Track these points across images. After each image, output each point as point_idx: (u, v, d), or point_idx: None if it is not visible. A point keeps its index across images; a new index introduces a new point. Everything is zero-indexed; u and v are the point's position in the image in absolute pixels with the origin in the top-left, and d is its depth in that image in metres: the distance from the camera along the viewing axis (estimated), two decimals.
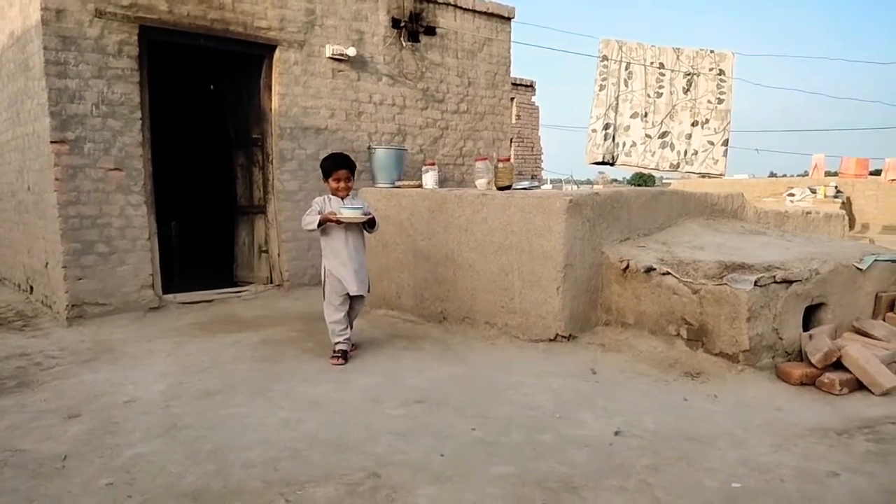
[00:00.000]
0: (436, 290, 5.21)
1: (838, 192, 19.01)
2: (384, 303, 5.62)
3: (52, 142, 5.27)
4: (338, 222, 4.12)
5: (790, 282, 4.05)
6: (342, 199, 4.26)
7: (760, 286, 3.90)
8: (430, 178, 5.47)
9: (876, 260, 4.54)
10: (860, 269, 4.46)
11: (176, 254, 7.55)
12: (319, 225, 4.11)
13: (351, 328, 4.42)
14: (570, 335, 4.49)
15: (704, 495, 2.48)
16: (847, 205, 18.93)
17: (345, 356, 4.24)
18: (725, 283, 3.96)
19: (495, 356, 4.36)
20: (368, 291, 4.46)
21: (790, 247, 4.89)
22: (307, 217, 4.15)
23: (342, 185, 4.23)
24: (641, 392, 3.69)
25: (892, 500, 2.45)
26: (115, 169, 5.57)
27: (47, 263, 5.73)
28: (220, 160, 7.79)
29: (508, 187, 4.99)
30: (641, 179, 34.46)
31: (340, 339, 4.26)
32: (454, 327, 5.04)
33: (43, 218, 5.71)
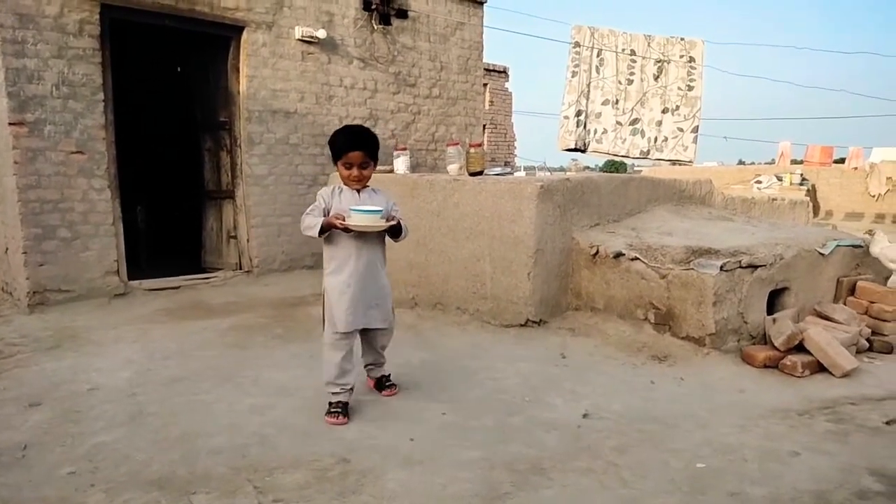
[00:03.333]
0: (407, 276, 5.19)
1: (804, 179, 19.43)
2: None
3: (10, 123, 5.09)
4: (345, 230, 2.89)
5: (755, 266, 4.13)
6: (357, 192, 3.05)
7: (726, 271, 3.97)
8: (401, 164, 5.43)
9: (838, 245, 4.65)
10: (823, 255, 4.56)
11: (142, 239, 7.39)
12: (322, 232, 2.91)
13: (382, 362, 3.39)
14: (541, 320, 4.52)
15: (670, 475, 2.53)
16: (812, 192, 19.37)
17: (345, 410, 3.02)
18: (692, 268, 4.02)
19: (466, 341, 4.36)
20: (390, 324, 3.26)
21: (756, 232, 4.98)
22: (307, 218, 2.97)
23: (355, 172, 2.98)
24: (610, 375, 3.73)
25: (848, 478, 2.52)
26: (77, 152, 5.42)
27: (7, 249, 5.57)
28: (187, 144, 7.63)
29: (480, 173, 4.98)
30: (613, 167, 34.78)
31: (336, 388, 3.03)
32: (426, 313, 5.03)
33: (2, 202, 5.53)
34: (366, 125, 7.94)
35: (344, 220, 2.85)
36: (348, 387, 3.06)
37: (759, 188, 18.56)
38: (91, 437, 2.84)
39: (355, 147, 2.97)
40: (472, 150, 4.99)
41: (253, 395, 3.37)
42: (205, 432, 2.86)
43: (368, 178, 3.06)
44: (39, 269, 5.27)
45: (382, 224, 2.95)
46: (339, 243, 3.00)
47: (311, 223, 2.92)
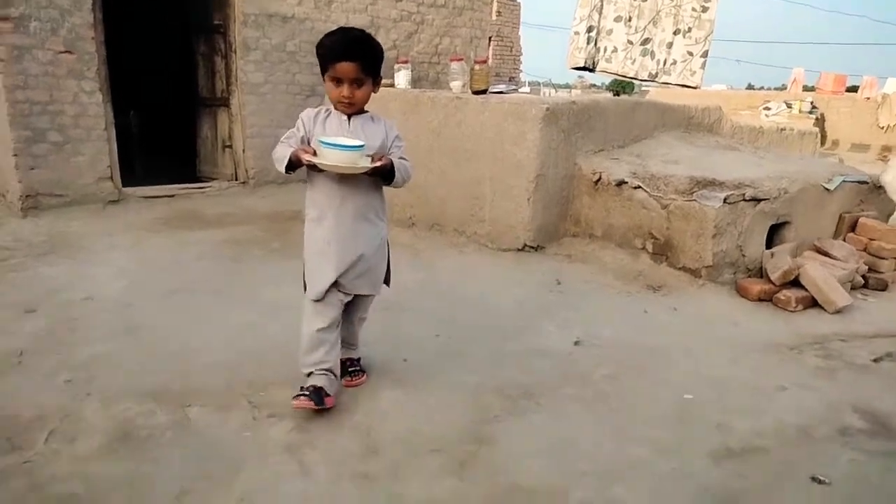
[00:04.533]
0: (405, 196, 5.11)
1: (813, 107, 18.99)
2: None
3: None
4: (313, 168, 2.18)
5: (758, 200, 4.07)
6: (348, 118, 2.29)
7: (729, 203, 3.91)
8: (402, 78, 5.24)
9: (844, 181, 4.57)
10: (828, 190, 4.49)
11: (136, 145, 7.24)
12: (290, 168, 2.21)
13: (355, 344, 2.67)
14: (539, 245, 4.49)
15: (658, 405, 2.57)
16: (820, 121, 19.00)
17: (318, 396, 2.31)
18: (695, 200, 3.96)
19: (463, 264, 4.35)
20: (381, 287, 2.55)
21: (762, 164, 4.88)
22: (278, 147, 2.26)
23: (345, 91, 2.21)
24: (604, 303, 3.75)
25: (832, 414, 2.57)
26: (66, 52, 5.20)
27: None
28: (180, 48, 7.33)
29: (484, 91, 4.81)
30: (620, 86, 33.86)
31: (308, 367, 2.39)
32: (423, 234, 5.00)
33: None
34: None
35: (314, 154, 2.12)
36: (324, 366, 2.36)
37: (767, 115, 18.18)
38: (87, 346, 2.86)
39: (347, 56, 2.14)
40: (477, 66, 4.80)
41: (248, 310, 3.37)
42: (200, 346, 2.88)
43: (364, 100, 2.26)
44: (31, 173, 5.18)
45: (360, 166, 2.12)
46: (319, 185, 2.28)
47: (281, 155, 2.20)
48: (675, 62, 8.91)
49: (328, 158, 2.10)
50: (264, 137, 6.44)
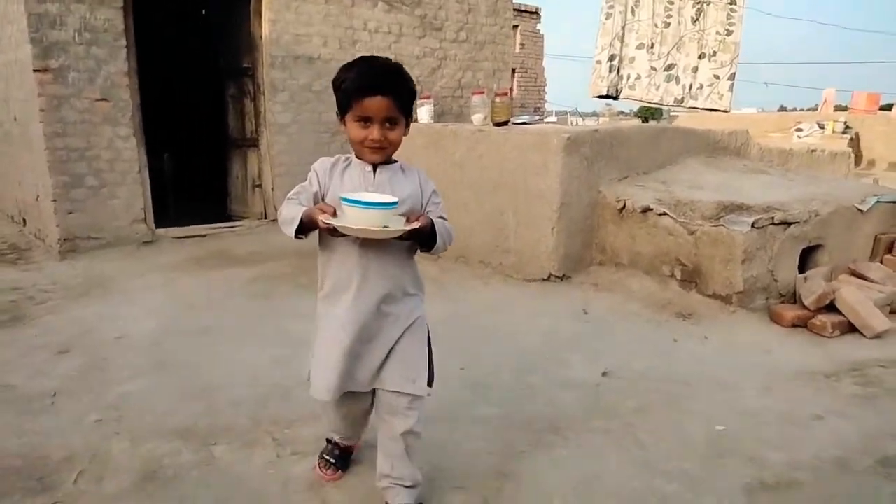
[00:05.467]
0: None
1: (847, 127, 18.65)
2: None
3: (34, 70, 5.09)
4: (332, 232, 1.69)
5: (788, 223, 3.99)
6: (373, 167, 1.82)
7: (757, 228, 3.84)
8: (424, 113, 5.32)
9: (878, 202, 4.46)
10: (861, 211, 4.38)
11: (169, 187, 7.45)
12: (301, 231, 1.72)
13: (399, 479, 1.97)
14: (564, 275, 4.46)
15: (687, 438, 2.50)
16: (855, 140, 18.62)
17: (339, 461, 2.20)
18: (722, 225, 3.90)
19: (488, 296, 4.34)
20: (424, 384, 1.91)
21: (792, 186, 4.79)
22: (285, 206, 1.78)
23: (375, 133, 1.74)
24: (632, 333, 3.69)
25: (872, 444, 2.46)
26: (102, 99, 5.41)
27: (38, 196, 5.66)
28: (211, 91, 7.57)
29: (506, 123, 4.85)
30: (648, 112, 33.79)
31: (334, 435, 2.20)
32: (449, 266, 5.01)
33: (30, 150, 5.59)
34: None
35: (334, 213, 1.66)
36: (342, 437, 2.18)
37: (799, 136, 17.90)
38: (117, 385, 2.91)
39: (379, 89, 1.68)
40: (498, 99, 4.85)
41: (275, 346, 3.41)
42: (227, 384, 2.92)
43: (397, 144, 1.78)
44: (69, 217, 5.36)
45: (393, 228, 1.64)
46: (336, 253, 1.80)
47: (289, 215, 1.71)
48: (701, 86, 8.87)
49: (352, 220, 1.61)
50: (293, 175, 6.57)
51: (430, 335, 1.96)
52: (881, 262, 4.50)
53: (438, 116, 7.66)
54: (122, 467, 2.25)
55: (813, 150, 7.06)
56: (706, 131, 5.72)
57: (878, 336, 3.64)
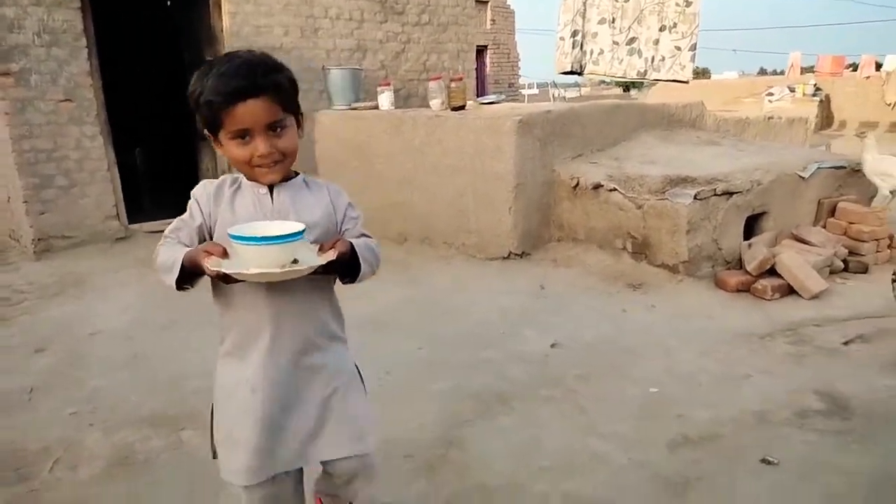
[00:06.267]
0: (396, 213, 5.30)
1: (817, 89, 18.88)
2: None
3: None
4: (225, 279, 1.28)
5: (731, 193, 4.18)
6: (269, 190, 1.43)
7: (700, 199, 4.03)
8: (385, 99, 5.43)
9: (819, 168, 4.66)
10: (803, 178, 4.58)
11: (143, 181, 7.52)
12: (184, 280, 1.34)
13: None
14: (524, 252, 4.64)
15: (624, 401, 2.71)
16: (826, 102, 18.89)
17: None
18: (667, 198, 4.08)
19: (450, 276, 4.52)
20: (370, 439, 1.59)
21: (740, 157, 4.99)
22: (161, 250, 1.40)
23: (261, 146, 1.34)
24: (585, 305, 3.88)
25: (793, 398, 2.68)
26: (66, 100, 5.46)
27: (9, 198, 5.73)
28: (179, 85, 7.60)
29: (462, 107, 4.98)
30: (629, 82, 33.79)
31: None
32: (414, 248, 5.17)
33: None
34: (354, 57, 7.88)
35: (223, 253, 1.28)
36: None
37: (770, 101, 18.12)
38: (91, 380, 3.06)
39: (248, 91, 1.30)
40: (454, 84, 4.98)
41: None
42: (192, 374, 3.06)
43: (293, 152, 1.40)
44: (41, 218, 5.44)
45: (302, 266, 1.27)
46: (236, 301, 1.43)
47: (167, 261, 1.35)
48: (663, 58, 9.00)
49: (249, 261, 1.24)
50: None
51: (364, 380, 1.61)
52: (824, 226, 4.72)
53: (404, 100, 7.76)
54: (96, 455, 2.42)
55: (770, 118, 7.26)
56: (661, 105, 5.89)
57: (815, 297, 3.86)
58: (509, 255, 4.60)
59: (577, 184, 4.57)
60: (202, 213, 1.42)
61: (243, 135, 1.33)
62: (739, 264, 4.23)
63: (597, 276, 4.32)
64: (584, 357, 3.15)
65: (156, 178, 8.11)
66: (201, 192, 1.44)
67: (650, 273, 4.19)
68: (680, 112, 5.95)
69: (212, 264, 1.24)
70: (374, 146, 5.31)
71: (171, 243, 1.40)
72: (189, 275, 1.33)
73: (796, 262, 3.95)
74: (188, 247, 1.36)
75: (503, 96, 8.00)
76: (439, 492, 2.12)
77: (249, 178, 1.41)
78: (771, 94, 19.33)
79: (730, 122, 6.54)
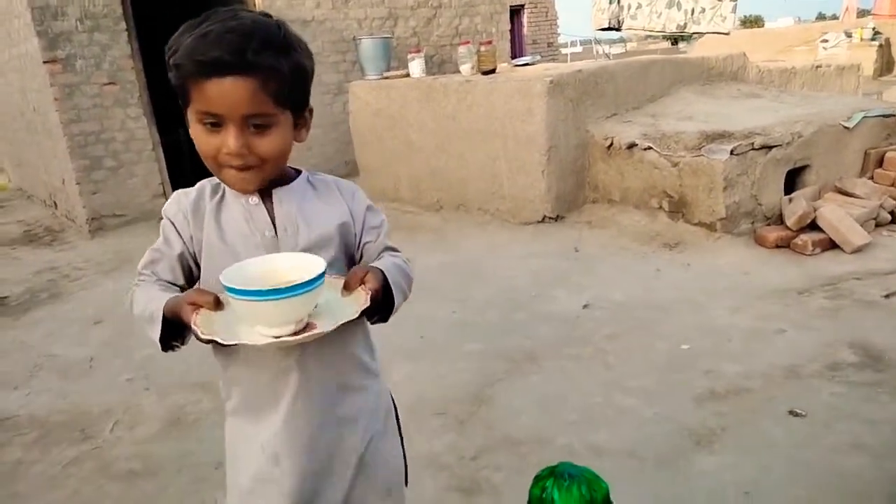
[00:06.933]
0: (431, 181, 5.36)
1: (876, 33, 17.87)
2: (385, 196, 5.80)
3: (44, 62, 5.36)
4: (208, 341, 0.91)
5: (770, 147, 4.08)
6: (260, 197, 1.10)
7: (737, 155, 3.95)
8: (416, 67, 5.44)
9: (865, 116, 4.49)
10: (847, 128, 4.42)
11: (187, 160, 7.76)
12: (169, 338, 1.03)
13: None
14: (558, 216, 4.65)
15: (653, 358, 2.74)
16: (886, 47, 17.89)
17: None
18: (702, 155, 4.02)
19: (485, 241, 4.56)
20: (402, 489, 1.28)
21: (780, 109, 4.83)
22: (137, 295, 1.09)
23: (232, 140, 0.99)
24: (618, 266, 3.89)
25: (825, 351, 2.66)
26: (110, 83, 5.67)
27: (63, 180, 6.02)
28: None
29: (493, 71, 4.96)
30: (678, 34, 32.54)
31: None
32: (450, 215, 5.23)
33: (50, 137, 5.92)
34: (385, 26, 7.89)
35: (215, 303, 0.97)
36: None
37: (825, 48, 17.27)
38: (143, 349, 3.25)
39: (227, 65, 0.96)
40: (483, 48, 4.96)
41: None
42: None
43: (276, 159, 1.05)
44: (93, 198, 5.71)
45: (327, 321, 0.95)
46: (242, 354, 1.11)
47: (144, 309, 1.06)
48: (703, 10, 8.73)
49: (253, 318, 0.94)
50: None
51: (398, 414, 1.29)
52: (871, 178, 4.56)
53: (438, 66, 7.75)
54: (151, 416, 2.60)
55: (818, 67, 6.96)
56: (700, 59, 5.72)
57: (857, 250, 3.77)
58: (543, 218, 4.61)
59: (612, 144, 4.53)
60: (181, 237, 1.11)
61: (214, 121, 0.99)
62: (780, 220, 4.14)
63: (632, 237, 4.30)
64: (615, 316, 3.18)
65: (199, 157, 8.35)
66: (175, 209, 1.12)
67: (687, 232, 4.15)
68: (720, 65, 5.77)
69: (202, 325, 0.90)
70: (406, 115, 5.35)
71: (147, 284, 1.10)
72: (176, 328, 1.00)
73: (838, 215, 3.85)
74: (171, 284, 1.10)
75: (538, 57, 7.87)
76: (468, 444, 2.21)
77: (230, 181, 1.07)
78: (825, 42, 18.41)
79: (774, 73, 6.30)
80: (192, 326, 0.91)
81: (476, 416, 2.39)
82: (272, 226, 1.09)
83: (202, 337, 0.90)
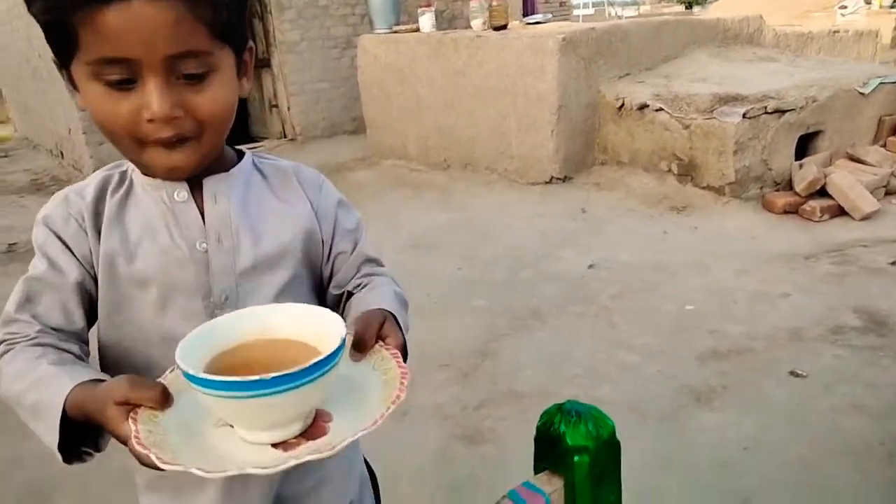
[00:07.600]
0: (438, 139, 5.31)
1: None
2: (392, 153, 5.76)
3: None
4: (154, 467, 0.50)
5: (782, 111, 4.03)
6: (188, 186, 0.75)
7: (749, 118, 3.90)
8: (426, 21, 5.34)
9: (881, 83, 4.42)
10: (862, 94, 4.36)
11: None
12: (72, 442, 0.62)
13: None
14: (566, 176, 4.62)
15: (657, 317, 2.76)
16: None
17: None
18: (714, 117, 3.97)
19: (492, 201, 4.55)
20: None
21: (795, 73, 4.75)
22: (4, 361, 0.68)
23: (155, 98, 0.63)
24: (625, 228, 3.88)
25: (830, 315, 2.68)
26: None
27: (70, 129, 5.99)
28: None
29: (504, 27, 4.88)
30: None
31: None
32: (457, 174, 5.20)
33: (55, 85, 5.87)
34: None
35: (162, 399, 0.56)
36: None
37: (843, 14, 16.89)
38: None
39: None
40: (495, 3, 4.86)
41: None
42: None
43: (218, 123, 0.71)
44: (100, 148, 5.68)
45: (355, 409, 0.57)
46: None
47: (21, 397, 0.65)
48: None
49: (242, 422, 0.56)
50: (306, 94, 6.72)
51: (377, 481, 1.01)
52: (884, 145, 4.51)
53: (448, 21, 7.60)
54: None
55: (835, 32, 6.81)
56: (715, 20, 5.60)
57: (866, 217, 3.75)
58: (551, 179, 4.59)
59: (623, 104, 4.47)
60: (75, 257, 0.75)
61: (121, 75, 0.65)
62: (790, 185, 4.12)
63: (640, 199, 4.28)
64: (621, 276, 3.19)
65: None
66: (62, 217, 0.76)
67: (695, 195, 4.13)
68: (736, 27, 5.66)
69: (157, 448, 0.52)
70: (415, 70, 5.28)
71: (23, 348, 0.70)
72: (82, 432, 0.63)
73: (848, 182, 3.83)
74: (63, 333, 0.73)
75: (550, 15, 7.72)
76: (472, 396, 2.25)
77: (142, 169, 0.75)
78: (844, 7, 18.00)
79: (790, 38, 6.18)
80: (135, 446, 0.52)
81: (480, 369, 2.42)
82: (203, 233, 0.75)
83: (161, 467, 0.50)
